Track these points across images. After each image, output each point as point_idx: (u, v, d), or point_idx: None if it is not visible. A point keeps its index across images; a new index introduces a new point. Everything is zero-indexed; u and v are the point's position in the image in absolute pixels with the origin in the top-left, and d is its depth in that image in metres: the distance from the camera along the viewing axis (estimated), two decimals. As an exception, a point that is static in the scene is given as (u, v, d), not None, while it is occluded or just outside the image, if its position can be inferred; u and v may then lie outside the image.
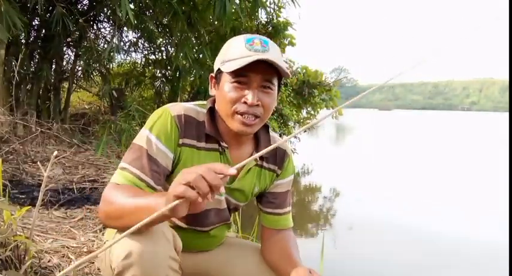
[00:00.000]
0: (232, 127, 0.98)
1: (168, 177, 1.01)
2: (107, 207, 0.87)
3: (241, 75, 0.94)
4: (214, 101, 1.06)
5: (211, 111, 1.04)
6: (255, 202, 1.23)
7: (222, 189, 0.71)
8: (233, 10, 4.56)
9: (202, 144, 1.02)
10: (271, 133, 1.14)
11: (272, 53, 0.95)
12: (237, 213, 2.20)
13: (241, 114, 0.95)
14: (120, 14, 3.83)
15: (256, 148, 1.09)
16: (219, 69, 0.99)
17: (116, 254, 0.86)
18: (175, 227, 1.11)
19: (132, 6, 3.93)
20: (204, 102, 1.08)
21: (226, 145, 1.04)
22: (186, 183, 0.70)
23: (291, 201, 1.20)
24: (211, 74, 1.04)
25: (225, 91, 0.96)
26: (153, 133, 0.96)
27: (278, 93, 1.05)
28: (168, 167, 0.98)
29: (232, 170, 0.70)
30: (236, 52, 0.95)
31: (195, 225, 1.11)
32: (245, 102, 0.94)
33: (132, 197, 0.83)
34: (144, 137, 0.96)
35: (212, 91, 1.04)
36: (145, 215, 0.70)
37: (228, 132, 1.03)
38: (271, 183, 1.15)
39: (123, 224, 0.84)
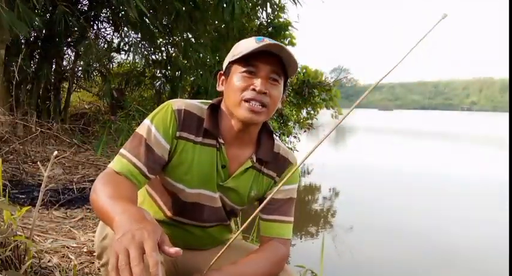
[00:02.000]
0: (239, 115, 0.99)
1: (164, 166, 1.04)
2: (92, 193, 0.91)
3: (251, 65, 0.98)
4: (219, 100, 1.08)
5: (213, 108, 1.06)
6: (256, 203, 1.20)
7: None
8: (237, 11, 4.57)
9: (200, 139, 1.04)
10: (277, 141, 1.13)
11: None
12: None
13: (249, 101, 0.97)
14: (127, 15, 3.84)
15: (257, 152, 1.09)
16: (228, 63, 1.03)
17: (97, 236, 0.94)
18: (169, 219, 1.12)
19: (135, 4, 3.93)
20: (210, 101, 1.09)
21: (223, 141, 1.04)
22: (117, 254, 0.67)
23: (291, 211, 1.12)
24: (220, 72, 1.07)
25: (233, 81, 0.99)
26: (153, 124, 1.00)
27: (284, 93, 1.06)
28: (164, 157, 1.01)
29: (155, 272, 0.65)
30: (246, 46, 0.98)
31: (190, 219, 1.11)
32: (253, 90, 0.97)
33: (109, 197, 0.85)
34: (145, 126, 1.00)
35: (220, 87, 1.07)
36: (107, 222, 0.81)
37: (229, 130, 1.04)
38: (268, 190, 1.13)
39: (98, 216, 0.91)
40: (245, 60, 0.98)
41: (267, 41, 0.98)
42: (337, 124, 0.90)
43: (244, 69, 0.98)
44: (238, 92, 0.98)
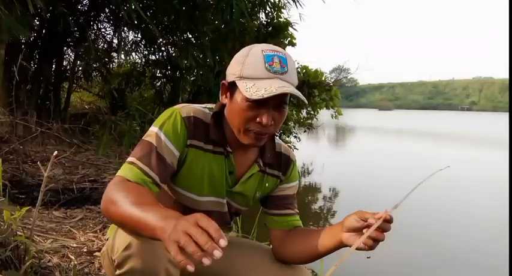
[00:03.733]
0: (243, 141, 0.98)
1: (172, 175, 1.02)
2: (109, 205, 0.86)
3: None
4: (221, 106, 1.05)
5: (217, 116, 1.04)
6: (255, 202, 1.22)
7: (218, 254, 0.64)
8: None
9: (210, 147, 1.03)
10: (277, 140, 1.14)
11: (290, 73, 0.95)
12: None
13: (254, 133, 0.96)
14: (125, 15, 3.84)
15: (261, 155, 1.10)
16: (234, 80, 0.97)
17: (116, 246, 0.89)
18: None
19: (132, 6, 3.94)
20: (213, 105, 1.08)
21: (230, 150, 1.04)
22: (176, 241, 0.66)
23: (296, 205, 1.18)
24: (223, 81, 1.02)
25: (239, 108, 0.95)
26: (162, 131, 0.97)
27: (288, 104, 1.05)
28: (173, 166, 0.99)
29: (223, 242, 0.65)
30: (255, 71, 0.93)
31: None
32: (259, 122, 0.94)
33: (136, 205, 0.80)
34: (154, 134, 0.97)
35: (223, 99, 1.02)
36: (141, 231, 0.77)
37: (234, 137, 1.03)
38: (274, 189, 1.15)
39: (121, 227, 0.87)
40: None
41: (277, 62, 0.93)
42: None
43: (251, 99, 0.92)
44: (243, 121, 0.95)
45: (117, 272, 0.91)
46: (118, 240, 0.89)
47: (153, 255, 0.86)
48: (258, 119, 0.94)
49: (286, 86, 0.91)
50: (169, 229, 0.69)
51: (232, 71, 0.97)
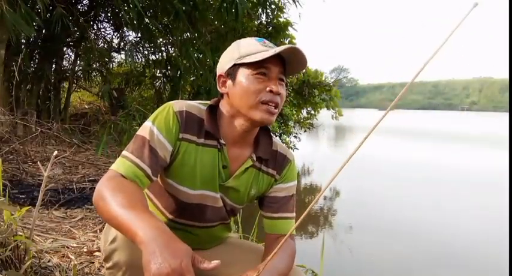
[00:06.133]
0: (256, 117, 0.99)
1: (165, 168, 1.03)
2: (99, 200, 0.87)
3: (263, 67, 0.98)
4: (217, 101, 1.08)
5: (212, 109, 1.06)
6: (255, 203, 1.21)
7: None
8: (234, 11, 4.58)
9: (202, 141, 1.04)
10: (275, 139, 1.15)
11: None
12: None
13: (267, 103, 0.98)
14: (126, 16, 3.85)
15: (255, 150, 1.10)
16: (233, 65, 1.02)
17: (103, 239, 0.93)
18: (171, 221, 1.12)
19: (131, 6, 3.94)
20: (209, 101, 1.09)
21: (224, 142, 1.05)
22: None
23: (293, 207, 1.15)
24: (220, 74, 1.06)
25: (246, 84, 0.99)
26: (155, 125, 0.99)
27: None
28: (166, 159, 1.01)
29: None
30: (252, 49, 1.00)
31: (192, 220, 1.11)
32: (270, 91, 0.98)
33: (123, 206, 0.82)
34: (147, 128, 1.00)
35: (222, 89, 1.05)
36: (123, 233, 0.80)
37: (229, 130, 1.04)
38: (270, 188, 1.14)
39: (108, 223, 0.91)
40: (256, 62, 0.98)
41: (267, 42, 1.00)
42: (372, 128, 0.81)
43: (256, 71, 0.98)
44: (254, 94, 0.98)
45: (106, 265, 0.93)
46: (107, 233, 0.93)
47: (138, 249, 0.86)
48: (267, 88, 0.98)
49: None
50: (152, 252, 0.72)
51: (228, 59, 1.03)
